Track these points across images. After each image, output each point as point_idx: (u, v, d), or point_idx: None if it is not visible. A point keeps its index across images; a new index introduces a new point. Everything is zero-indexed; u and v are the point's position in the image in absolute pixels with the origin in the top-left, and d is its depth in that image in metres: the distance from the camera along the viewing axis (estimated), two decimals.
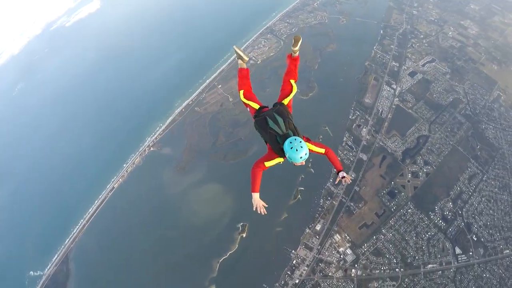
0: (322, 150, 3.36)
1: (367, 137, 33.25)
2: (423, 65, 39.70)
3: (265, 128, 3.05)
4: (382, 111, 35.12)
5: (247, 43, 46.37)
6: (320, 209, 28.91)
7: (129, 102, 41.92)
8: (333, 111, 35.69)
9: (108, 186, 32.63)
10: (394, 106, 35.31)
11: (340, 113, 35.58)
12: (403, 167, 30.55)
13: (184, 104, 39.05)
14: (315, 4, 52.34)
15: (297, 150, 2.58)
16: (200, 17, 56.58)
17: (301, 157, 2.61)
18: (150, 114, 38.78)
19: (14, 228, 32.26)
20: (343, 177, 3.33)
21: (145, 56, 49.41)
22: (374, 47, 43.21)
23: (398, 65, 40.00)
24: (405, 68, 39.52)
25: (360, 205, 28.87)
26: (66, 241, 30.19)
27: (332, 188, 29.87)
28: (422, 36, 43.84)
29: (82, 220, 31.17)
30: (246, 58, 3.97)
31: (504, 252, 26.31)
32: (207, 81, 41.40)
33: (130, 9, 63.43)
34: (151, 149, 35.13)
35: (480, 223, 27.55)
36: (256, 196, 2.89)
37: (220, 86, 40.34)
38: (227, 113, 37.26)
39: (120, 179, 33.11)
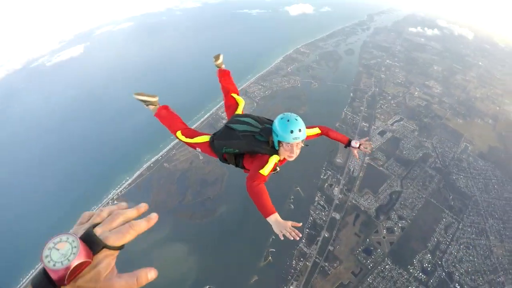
0: (317, 130, 4.81)
1: (340, 196, 49.96)
2: (392, 124, 63.46)
3: (233, 136, 4.23)
4: (353, 170, 53.83)
5: (221, 103, 67.86)
6: (292, 270, 40.20)
7: (98, 150, 60.81)
8: (304, 171, 52.88)
9: None
10: (365, 165, 54.63)
11: (311, 173, 53.26)
12: (377, 224, 45.86)
13: (153, 159, 56.13)
14: (288, 69, 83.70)
15: (289, 120, 3.78)
16: (178, 73, 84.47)
17: (300, 130, 3.75)
18: (118, 165, 55.67)
19: None
20: (360, 144, 4.81)
21: (120, 106, 72.30)
22: (345, 109, 67.95)
23: (368, 125, 63.05)
24: (375, 128, 62.61)
25: (335, 264, 40.48)
26: None
27: (305, 249, 43.23)
28: (390, 97, 70.69)
29: (32, 270, 41.88)
30: (155, 98, 5.37)
31: None
32: (207, 132, 62.66)
33: (112, 58, 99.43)
34: (115, 202, 48.47)
35: (462, 270, 40.91)
36: (275, 218, 3.34)
37: None
38: (197, 171, 53.85)
39: None
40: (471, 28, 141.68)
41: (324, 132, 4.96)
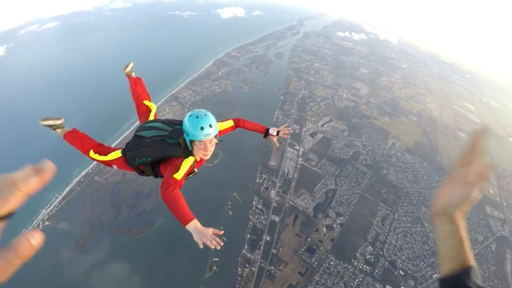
0: (230, 123, 5.02)
1: (277, 198, 52.34)
2: (322, 125, 68.48)
3: (144, 144, 4.25)
4: (288, 172, 56.92)
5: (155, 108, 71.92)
6: (239, 278, 41.55)
7: (19, 163, 54.01)
8: (240, 177, 55.48)
9: None
10: (299, 166, 58.06)
11: (247, 178, 55.66)
12: (317, 223, 48.89)
13: (83, 173, 54.36)
14: (219, 73, 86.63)
15: (197, 117, 3.89)
16: (106, 76, 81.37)
17: (210, 125, 3.88)
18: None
19: None
20: (278, 131, 5.17)
21: (45, 112, 68.03)
22: (276, 112, 71.98)
23: (299, 127, 67.12)
24: (306, 129, 67.04)
25: (281, 267, 42.43)
26: None
27: (249, 255, 44.66)
28: (319, 100, 76.19)
29: None
30: (60, 121, 5.43)
31: (434, 276, 43.92)
32: (118, 146, 60.14)
33: (33, 63, 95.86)
34: (46, 223, 47.00)
35: (403, 257, 44.28)
36: (195, 225, 3.28)
37: None
38: (130, 183, 53.06)
39: None
40: (396, 34, 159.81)
41: (240, 124, 5.26)
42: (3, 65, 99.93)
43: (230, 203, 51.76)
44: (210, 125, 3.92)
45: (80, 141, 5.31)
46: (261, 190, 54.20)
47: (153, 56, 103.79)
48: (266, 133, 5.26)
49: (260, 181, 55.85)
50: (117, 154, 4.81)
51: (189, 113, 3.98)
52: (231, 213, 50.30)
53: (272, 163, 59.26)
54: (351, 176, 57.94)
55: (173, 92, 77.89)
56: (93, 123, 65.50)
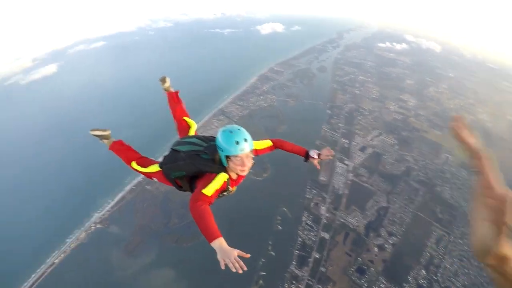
0: (269, 143, 4.91)
1: (327, 215, 51.24)
2: (372, 140, 66.38)
3: (179, 158, 4.31)
4: (338, 188, 55.48)
5: (199, 123, 70.45)
6: None
7: (76, 172, 60.30)
8: (289, 191, 54.53)
9: (48, 261, 44.95)
10: (349, 182, 56.49)
11: (296, 193, 54.57)
12: (368, 242, 46.98)
13: (135, 181, 55.93)
14: (264, 88, 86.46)
15: (231, 132, 3.84)
16: (151, 93, 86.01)
17: (245, 140, 3.80)
18: (99, 188, 55.21)
19: None
20: (319, 154, 4.88)
21: (96, 126, 74.79)
22: (323, 126, 70.38)
23: (348, 142, 65.46)
24: (355, 143, 65.21)
25: (328, 286, 41.49)
26: None
27: (297, 271, 43.65)
28: (367, 113, 73.95)
29: None
30: (107, 132, 5.75)
31: None
32: (160, 159, 63.06)
33: (85, 78, 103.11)
34: (98, 226, 49.44)
35: (458, 284, 42.31)
36: (220, 244, 3.05)
37: None
38: (180, 193, 54.12)
39: (62, 255, 45.49)
40: (438, 41, 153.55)
41: (278, 145, 5.07)
42: (57, 81, 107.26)
43: (279, 217, 50.99)
44: (245, 139, 3.83)
45: (124, 152, 5.56)
46: (311, 205, 53.00)
47: (197, 73, 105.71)
48: (307, 156, 4.98)
49: (310, 196, 54.62)
50: (156, 167, 4.92)
51: (222, 129, 3.91)
52: (280, 227, 49.41)
53: (322, 178, 58.04)
54: (403, 193, 55.54)
55: (220, 107, 78.62)
56: (138, 137, 67.11)
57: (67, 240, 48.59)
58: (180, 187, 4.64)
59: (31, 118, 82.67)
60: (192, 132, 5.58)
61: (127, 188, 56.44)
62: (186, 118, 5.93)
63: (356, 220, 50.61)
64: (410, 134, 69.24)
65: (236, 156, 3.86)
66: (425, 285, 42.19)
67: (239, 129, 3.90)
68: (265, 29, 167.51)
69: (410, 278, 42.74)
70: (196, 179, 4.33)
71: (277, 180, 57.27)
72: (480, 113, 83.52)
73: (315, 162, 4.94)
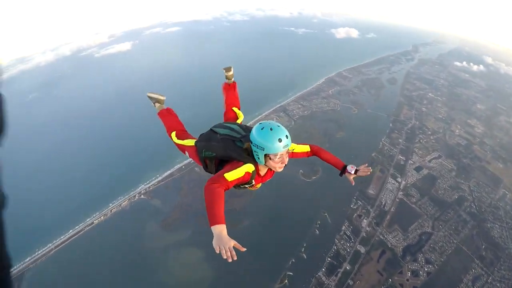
0: (307, 148, 4.83)
1: (367, 228, 51.19)
2: (430, 161, 64.53)
3: (214, 139, 4.28)
4: (385, 204, 55.15)
5: (259, 116, 73.37)
6: None
7: (133, 142, 67.17)
8: (334, 198, 55.06)
9: (87, 220, 50.58)
10: (398, 200, 55.84)
11: (341, 201, 54.94)
12: (403, 264, 45.97)
13: (185, 162, 59.97)
14: (330, 92, 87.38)
15: (272, 129, 3.68)
16: (218, 80, 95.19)
17: (287, 136, 3.70)
18: (150, 161, 60.50)
19: None
20: (356, 170, 4.71)
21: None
22: (382, 139, 69.84)
23: (404, 159, 64.34)
24: (412, 162, 63.88)
25: None
26: (27, 259, 45.34)
27: (324, 278, 44.43)
28: (429, 133, 71.92)
29: (50, 245, 47.33)
30: (163, 97, 5.89)
31: None
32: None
33: (156, 59, 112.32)
34: (142, 196, 54.18)
35: None
36: (220, 230, 3.10)
37: None
38: None
39: (102, 217, 50.98)
40: None
41: (315, 152, 4.99)
42: (129, 58, 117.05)
43: (319, 222, 51.93)
44: (286, 136, 3.80)
45: (169, 120, 5.75)
46: (354, 216, 53.34)
47: (266, 68, 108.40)
48: (343, 170, 4.84)
49: (354, 207, 54.91)
50: (191, 142, 4.90)
51: (259, 126, 3.83)
52: (317, 232, 50.30)
53: (370, 191, 57.98)
54: (450, 222, 53.84)
55: (282, 104, 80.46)
56: (195, 121, 73.53)
57: (110, 204, 53.62)
58: (206, 167, 4.60)
59: (100, 88, 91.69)
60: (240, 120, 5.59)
61: (177, 166, 60.53)
62: (235, 109, 5.84)
63: (396, 240, 50.15)
64: (471, 162, 66.19)
65: (276, 154, 3.83)
66: None
67: (279, 126, 3.82)
68: (340, 33, 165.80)
69: None
70: (223, 164, 4.26)
71: (325, 184, 57.87)
72: None
73: (351, 177, 4.82)
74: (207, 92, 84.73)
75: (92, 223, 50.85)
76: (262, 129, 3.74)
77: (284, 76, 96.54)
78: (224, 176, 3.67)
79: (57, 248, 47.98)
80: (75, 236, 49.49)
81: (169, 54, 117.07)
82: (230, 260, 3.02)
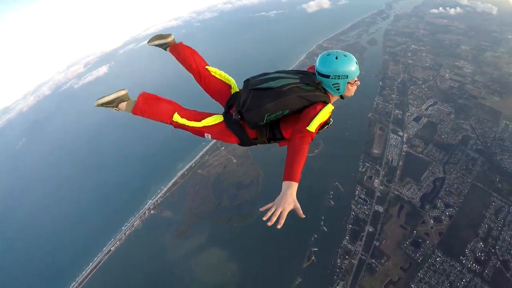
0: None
1: (381, 187, 48.60)
2: (426, 109, 60.88)
3: (275, 95, 3.09)
4: (392, 160, 52.18)
5: None
6: (338, 270, 39.55)
7: (131, 163, 63.86)
8: (341, 166, 52.47)
9: (104, 249, 47.76)
10: (403, 153, 52.77)
11: (349, 167, 52.41)
12: (423, 214, 43.93)
13: (186, 167, 57.76)
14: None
15: (346, 55, 3.22)
16: (198, 89, 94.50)
17: (356, 61, 3.25)
18: (152, 176, 57.57)
19: None
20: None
21: (143, 121, 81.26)
22: (376, 99, 66.07)
23: (401, 113, 60.75)
24: (409, 114, 60.36)
25: (382, 261, 39.23)
26: None
27: (349, 246, 42.27)
28: (420, 82, 67.86)
29: (74, 283, 44.84)
30: (123, 91, 3.78)
31: None
32: (210, 143, 61.63)
33: (135, 75, 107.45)
34: (152, 212, 51.75)
35: None
36: (292, 189, 2.58)
37: (223, 148, 60.28)
38: (231, 174, 54.65)
39: (118, 242, 48.29)
40: (494, 2, 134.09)
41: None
42: (108, 80, 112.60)
43: (332, 192, 49.42)
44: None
45: (158, 108, 3.86)
46: (364, 179, 50.62)
47: (247, 58, 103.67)
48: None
49: (363, 169, 52.15)
50: (216, 119, 3.59)
51: (330, 57, 3.21)
52: (332, 202, 47.91)
53: (375, 151, 55.08)
54: (460, 163, 50.62)
55: None
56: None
57: (123, 228, 50.82)
58: (249, 141, 3.56)
59: (87, 117, 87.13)
60: (235, 88, 3.98)
61: (179, 173, 57.60)
62: (209, 68, 4.12)
63: (411, 192, 47.45)
64: (467, 102, 62.36)
65: (355, 78, 3.35)
66: (482, 258, 38.58)
67: (342, 51, 3.31)
68: (311, 7, 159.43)
69: (467, 251, 39.38)
70: (278, 123, 3.46)
71: (329, 155, 55.13)
72: None
73: None
74: (194, 96, 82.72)
75: (110, 250, 48.35)
76: (336, 58, 3.18)
77: (266, 61, 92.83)
78: (308, 130, 2.96)
79: (81, 285, 45.68)
80: (96, 269, 46.98)
81: (147, 67, 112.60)
82: (269, 224, 2.46)
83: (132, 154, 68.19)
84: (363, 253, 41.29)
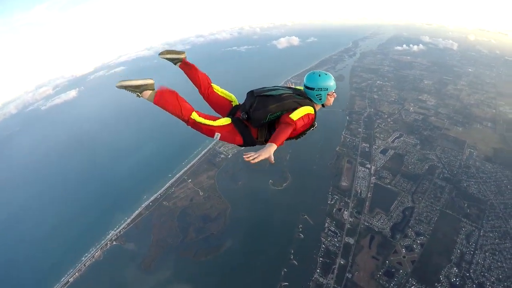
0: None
1: (350, 219, 48.32)
2: (393, 141, 62.87)
3: (276, 100, 4.19)
4: (361, 192, 52.49)
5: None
6: None
7: (93, 190, 61.70)
8: (310, 199, 52.50)
9: (62, 279, 44.92)
10: (372, 185, 53.36)
11: (318, 200, 52.32)
12: (395, 244, 44.02)
13: (152, 198, 56.46)
14: None
15: (326, 74, 4.51)
16: (169, 116, 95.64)
17: (333, 78, 4.54)
18: (115, 206, 55.82)
19: None
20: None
21: (115, 147, 75.56)
22: (343, 133, 67.81)
23: (368, 146, 62.20)
24: (376, 147, 61.96)
25: None
26: None
27: (321, 279, 41.20)
28: (386, 116, 70.40)
29: None
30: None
31: None
32: (177, 176, 61.26)
33: (104, 101, 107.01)
34: (114, 243, 49.26)
35: (492, 279, 38.60)
36: (273, 148, 3.57)
37: (190, 180, 59.86)
38: (198, 207, 53.55)
39: (77, 273, 45.41)
40: (454, 39, 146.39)
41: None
42: (76, 105, 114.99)
43: (301, 226, 49.18)
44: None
45: (176, 102, 4.30)
46: (333, 211, 50.71)
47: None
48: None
49: (332, 202, 52.37)
50: (227, 120, 4.38)
51: (314, 75, 4.48)
52: (302, 236, 47.56)
53: (343, 184, 55.60)
54: (428, 192, 51.99)
55: None
56: (159, 151, 69.37)
57: (83, 258, 48.73)
58: (251, 140, 4.47)
59: (51, 139, 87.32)
60: (236, 102, 5.00)
61: (144, 204, 56.66)
62: (214, 86, 5.12)
63: (381, 223, 47.86)
64: (432, 133, 65.33)
65: (333, 91, 4.60)
66: (457, 282, 38.99)
67: (323, 71, 4.59)
68: (282, 44, 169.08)
69: (441, 277, 39.65)
70: (273, 126, 4.47)
71: (297, 188, 55.66)
72: (502, 106, 78.47)
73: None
74: (166, 123, 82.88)
75: (68, 281, 45.64)
76: (324, 75, 4.47)
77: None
78: (289, 117, 4.04)
79: None
80: None
81: (117, 94, 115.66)
82: (247, 159, 3.44)
83: (95, 182, 66.56)
84: (335, 286, 40.60)
